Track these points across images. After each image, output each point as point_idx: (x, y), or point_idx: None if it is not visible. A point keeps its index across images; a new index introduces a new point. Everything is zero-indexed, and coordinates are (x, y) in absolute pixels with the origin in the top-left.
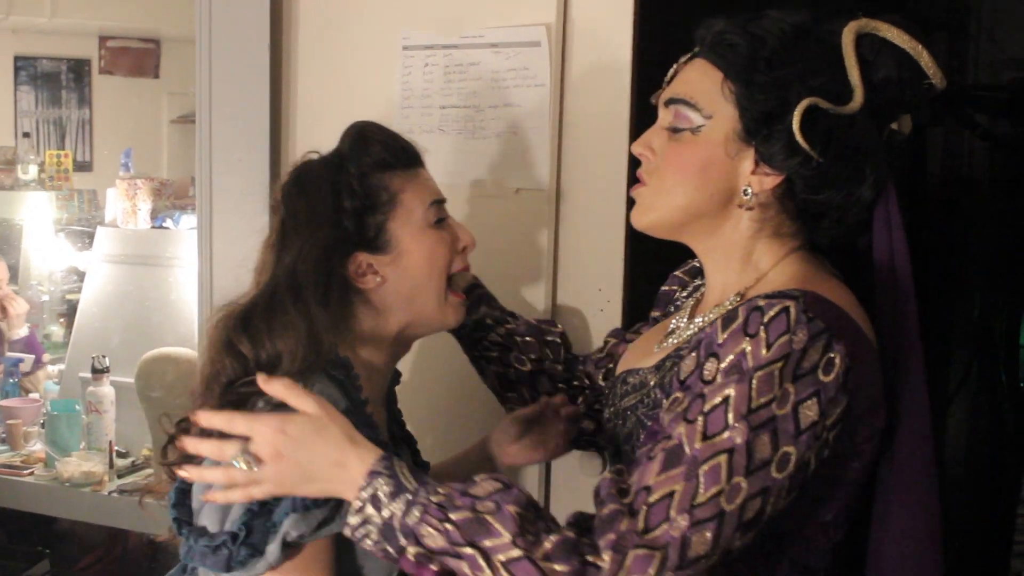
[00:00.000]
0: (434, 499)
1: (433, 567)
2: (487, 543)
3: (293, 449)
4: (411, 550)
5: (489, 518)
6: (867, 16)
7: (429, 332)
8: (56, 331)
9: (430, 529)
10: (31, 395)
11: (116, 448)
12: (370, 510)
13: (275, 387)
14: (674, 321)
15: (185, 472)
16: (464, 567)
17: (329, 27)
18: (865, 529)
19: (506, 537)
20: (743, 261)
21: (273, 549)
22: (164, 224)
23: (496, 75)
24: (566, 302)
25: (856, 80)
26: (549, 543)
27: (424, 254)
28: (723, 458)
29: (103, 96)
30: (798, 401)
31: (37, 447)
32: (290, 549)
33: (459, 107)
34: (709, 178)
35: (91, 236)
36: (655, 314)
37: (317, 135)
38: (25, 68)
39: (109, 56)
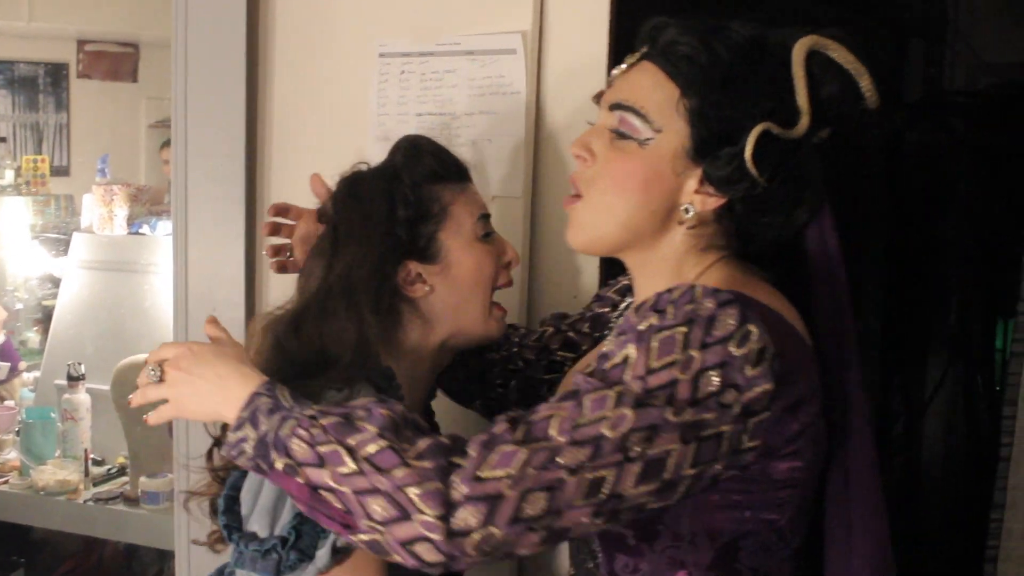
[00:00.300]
0: (307, 412)
1: (299, 479)
2: (352, 440)
3: (190, 363)
4: (279, 462)
5: (359, 421)
6: (815, 31)
7: (470, 344)
8: (32, 338)
9: (298, 440)
10: (6, 403)
11: (92, 456)
12: (248, 428)
13: (207, 326)
14: (607, 343)
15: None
16: (325, 476)
17: (306, 33)
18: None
19: (372, 431)
20: (673, 273)
21: (323, 554)
22: (141, 230)
23: (472, 82)
24: (541, 309)
25: (804, 103)
26: (422, 443)
27: (472, 266)
28: (612, 392)
29: (81, 100)
30: (702, 368)
31: (12, 455)
32: (340, 554)
33: (435, 114)
34: (652, 194)
35: (67, 242)
36: (588, 331)
37: (293, 141)
38: (2, 72)
39: (87, 60)
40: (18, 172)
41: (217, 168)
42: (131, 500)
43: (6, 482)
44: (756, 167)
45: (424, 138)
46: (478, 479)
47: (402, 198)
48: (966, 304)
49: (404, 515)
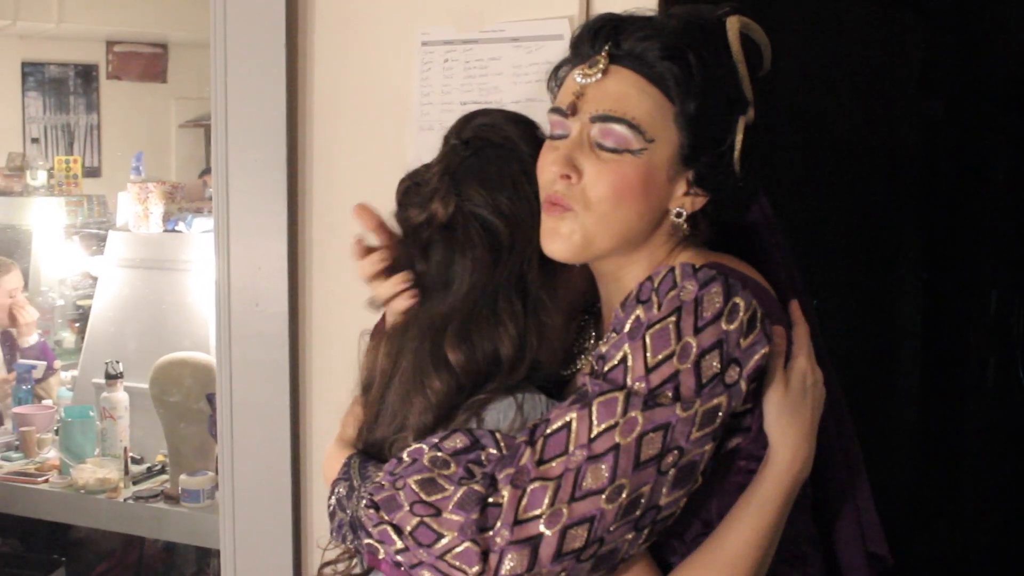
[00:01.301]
0: (369, 488)
1: (380, 556)
2: (396, 517)
3: None
4: (365, 543)
5: (400, 493)
6: (732, 11)
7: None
8: (68, 337)
9: (367, 521)
10: (44, 402)
11: (131, 454)
12: (340, 513)
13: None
14: (603, 343)
15: None
16: (381, 549)
17: (346, 24)
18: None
19: (406, 507)
20: (647, 269)
21: None
22: (176, 228)
23: (518, 70)
24: None
25: (749, 90)
26: (456, 494)
27: None
28: (620, 395)
29: (111, 101)
30: (700, 353)
31: (51, 454)
32: None
33: (480, 103)
34: (650, 203)
35: (103, 240)
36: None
37: (335, 133)
38: (33, 74)
39: (117, 61)
40: (51, 173)
41: (258, 162)
42: (171, 498)
43: (46, 481)
44: (740, 162)
45: (490, 109)
46: (517, 523)
47: (535, 174)
48: (1006, 296)
49: None
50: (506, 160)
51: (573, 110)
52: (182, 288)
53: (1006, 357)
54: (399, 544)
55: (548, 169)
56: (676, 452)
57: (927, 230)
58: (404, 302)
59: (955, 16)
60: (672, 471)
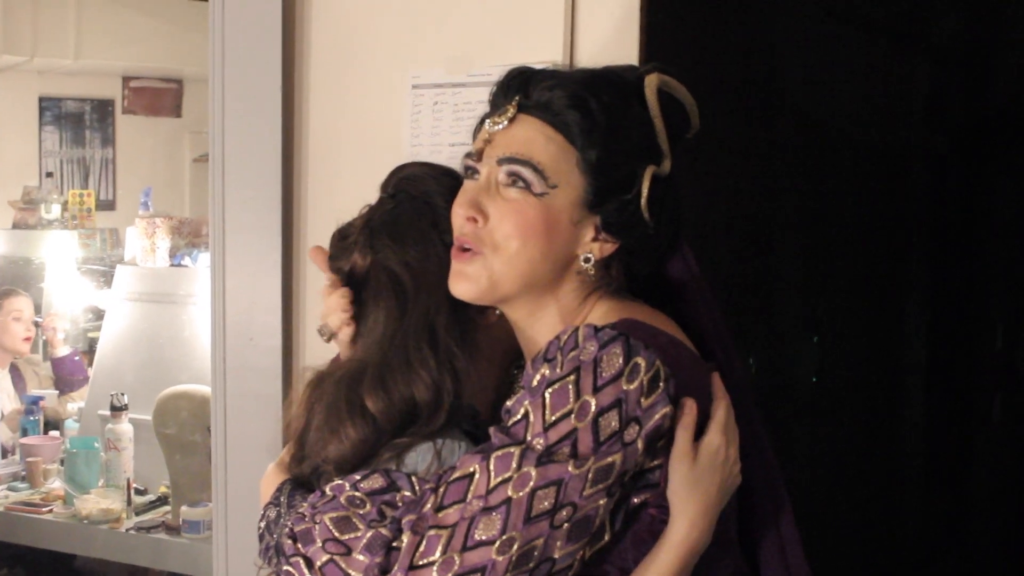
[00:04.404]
0: (292, 517)
1: None
2: (309, 550)
3: None
4: (283, 568)
5: (315, 528)
6: (653, 68)
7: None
8: None
9: (286, 548)
10: (51, 433)
11: (135, 485)
12: (267, 536)
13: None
14: (511, 398)
15: None
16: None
17: (340, 66)
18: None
19: (318, 543)
20: (562, 320)
21: None
22: (182, 262)
23: None
24: None
25: (665, 144)
26: (364, 540)
27: None
28: (516, 450)
29: (126, 136)
30: (599, 412)
31: (56, 484)
32: None
33: (468, 145)
34: (553, 245)
35: (111, 274)
36: None
37: (328, 172)
38: (50, 108)
39: (132, 96)
40: (65, 206)
41: (254, 199)
42: (172, 529)
43: (50, 511)
44: (648, 210)
45: (418, 163)
46: (412, 567)
47: (447, 227)
48: (1013, 331)
49: None
50: (419, 213)
51: (479, 156)
52: (187, 321)
53: (1012, 392)
54: None
55: (456, 213)
56: (570, 507)
57: (932, 264)
58: (348, 329)
59: (961, 52)
60: (566, 525)
